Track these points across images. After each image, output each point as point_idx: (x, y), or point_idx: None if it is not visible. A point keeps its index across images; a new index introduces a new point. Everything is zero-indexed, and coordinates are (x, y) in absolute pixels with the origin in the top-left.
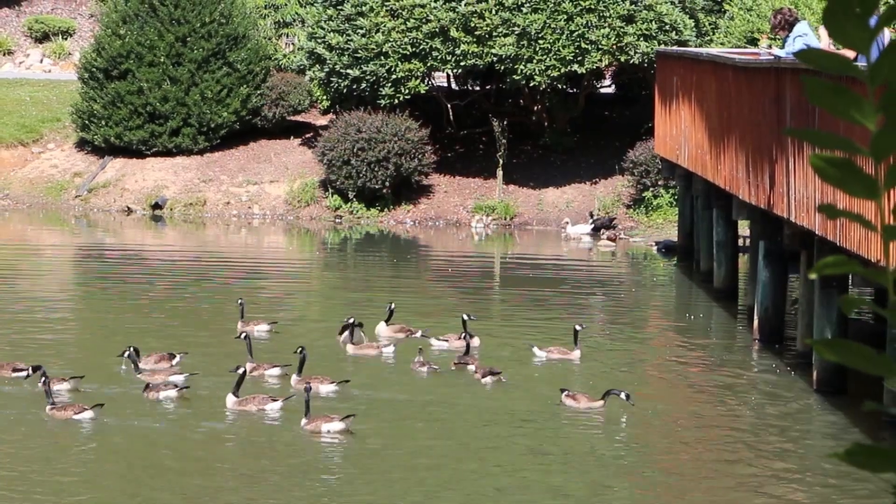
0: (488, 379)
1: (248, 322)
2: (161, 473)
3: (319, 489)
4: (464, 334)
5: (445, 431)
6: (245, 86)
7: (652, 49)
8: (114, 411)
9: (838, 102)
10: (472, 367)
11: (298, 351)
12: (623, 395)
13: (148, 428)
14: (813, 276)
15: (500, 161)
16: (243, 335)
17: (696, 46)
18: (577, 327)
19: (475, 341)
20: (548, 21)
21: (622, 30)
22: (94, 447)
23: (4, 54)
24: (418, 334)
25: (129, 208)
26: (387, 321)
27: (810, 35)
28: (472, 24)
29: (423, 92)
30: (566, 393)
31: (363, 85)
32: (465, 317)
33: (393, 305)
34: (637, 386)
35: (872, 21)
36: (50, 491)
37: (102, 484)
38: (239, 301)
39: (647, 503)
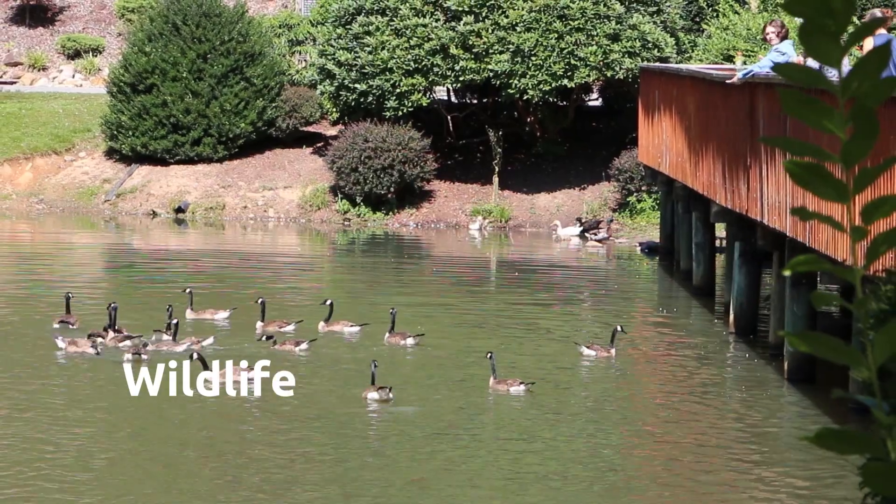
0: (409, 340)
1: (269, 322)
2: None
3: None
4: (391, 310)
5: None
6: (261, 99)
7: (636, 65)
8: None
9: (811, 113)
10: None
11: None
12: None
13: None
14: (787, 272)
15: (496, 168)
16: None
17: (676, 63)
18: (618, 328)
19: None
20: (540, 39)
21: (608, 47)
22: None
23: (39, 70)
24: (291, 326)
25: (153, 212)
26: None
27: (788, 54)
28: (471, 43)
29: (424, 105)
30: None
31: (370, 98)
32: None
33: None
34: (618, 377)
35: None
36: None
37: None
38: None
39: (623, 488)
